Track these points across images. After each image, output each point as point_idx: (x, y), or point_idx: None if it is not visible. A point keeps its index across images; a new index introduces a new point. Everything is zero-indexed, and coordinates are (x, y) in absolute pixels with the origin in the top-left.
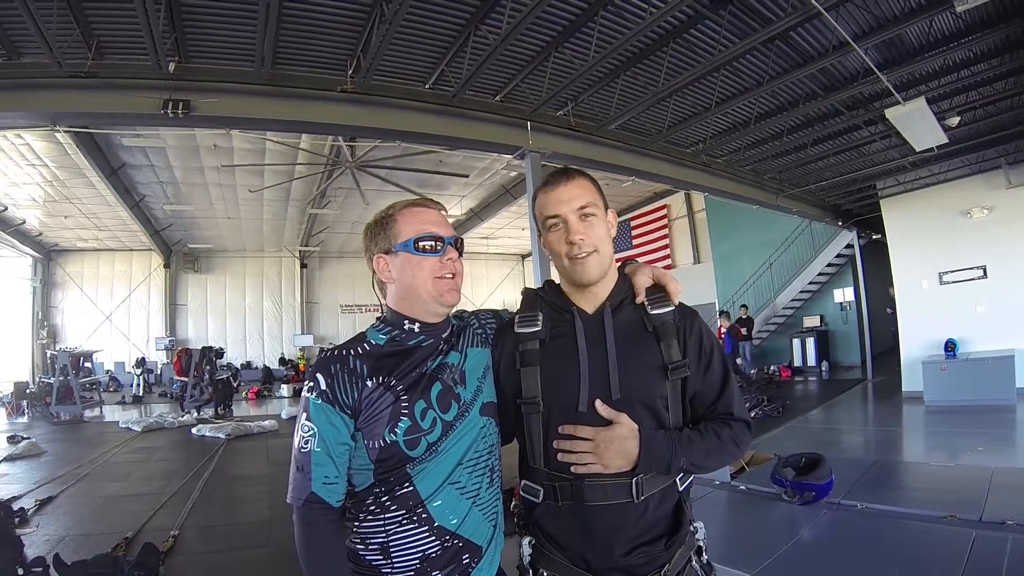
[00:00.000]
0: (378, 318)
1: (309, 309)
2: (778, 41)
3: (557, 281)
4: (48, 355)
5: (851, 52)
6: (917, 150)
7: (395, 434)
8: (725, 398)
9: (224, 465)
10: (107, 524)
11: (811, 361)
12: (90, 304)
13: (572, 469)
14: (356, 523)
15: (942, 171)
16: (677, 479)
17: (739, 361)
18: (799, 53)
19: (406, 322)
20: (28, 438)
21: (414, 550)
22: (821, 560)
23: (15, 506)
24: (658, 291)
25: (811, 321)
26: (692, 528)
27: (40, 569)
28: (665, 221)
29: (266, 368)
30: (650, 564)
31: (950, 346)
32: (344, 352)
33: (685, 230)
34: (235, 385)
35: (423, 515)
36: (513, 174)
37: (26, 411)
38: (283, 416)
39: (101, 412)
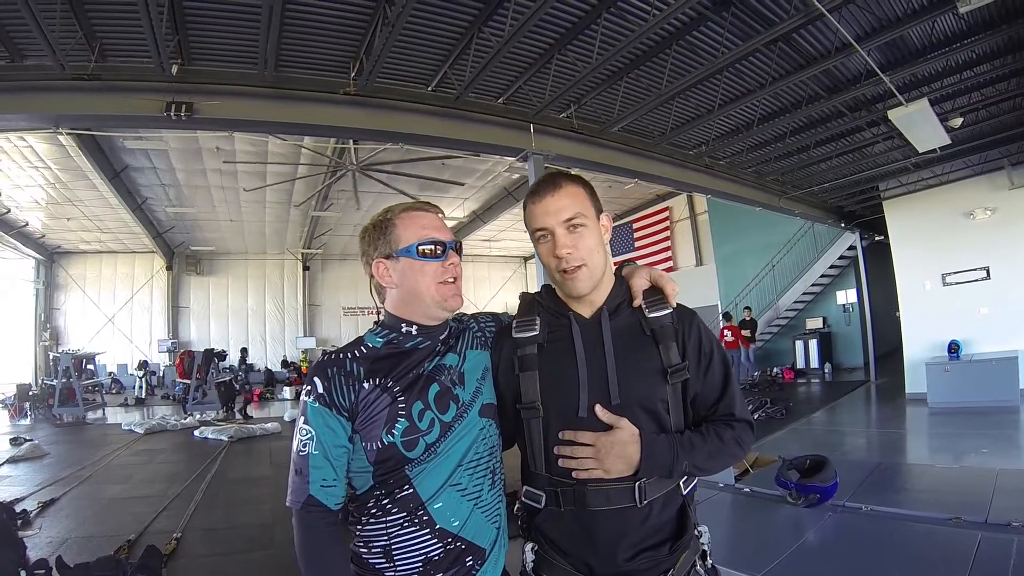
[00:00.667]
0: (376, 322)
1: (311, 311)
2: (781, 43)
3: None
4: (51, 357)
5: (854, 53)
6: (920, 151)
7: (392, 435)
8: (726, 399)
9: (226, 468)
10: (110, 526)
11: (814, 363)
12: (93, 306)
13: (574, 475)
14: (359, 526)
15: (945, 172)
16: (680, 482)
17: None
18: (802, 55)
19: (404, 325)
20: (31, 440)
21: (416, 553)
22: (826, 563)
23: (18, 508)
24: (656, 293)
25: (814, 323)
26: (697, 532)
27: (43, 571)
28: (667, 223)
29: (268, 370)
30: (654, 569)
31: (953, 347)
32: (341, 355)
33: (687, 232)
34: (237, 388)
35: (424, 517)
36: (515, 176)
37: (29, 413)
38: (285, 418)
39: (103, 414)
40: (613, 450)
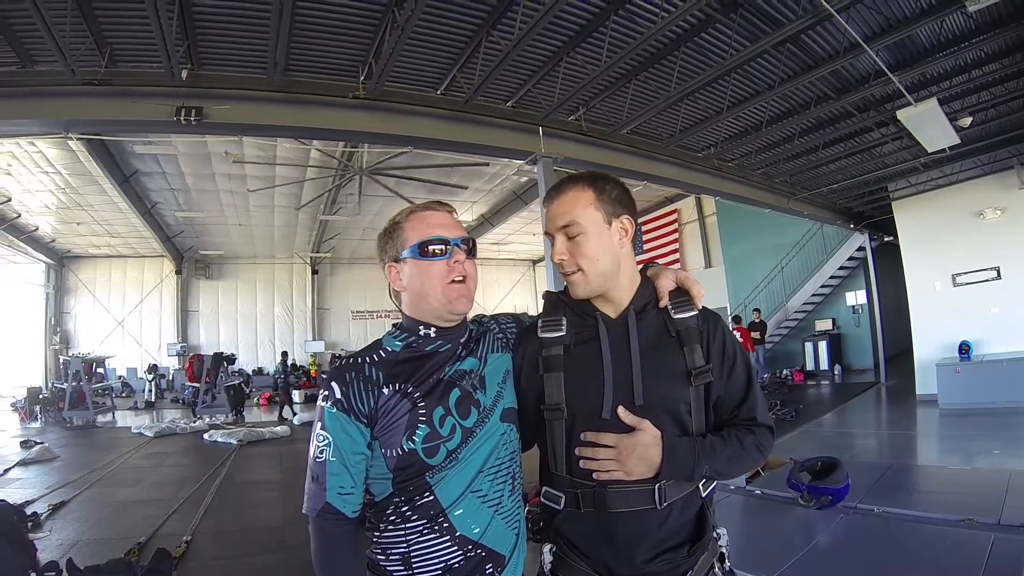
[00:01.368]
0: (394, 325)
1: (320, 315)
2: (789, 44)
3: None
4: (61, 361)
5: (862, 54)
6: (929, 151)
7: (413, 442)
8: (748, 403)
9: (236, 471)
10: (120, 529)
11: (824, 365)
12: (102, 310)
13: (594, 476)
14: (376, 533)
15: (954, 172)
16: (700, 485)
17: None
18: (810, 56)
19: (422, 327)
20: (41, 443)
21: (436, 560)
22: (838, 565)
23: (28, 511)
24: (681, 295)
25: (823, 324)
26: (715, 534)
27: (53, 574)
28: (676, 226)
29: (277, 373)
30: (673, 571)
31: (964, 348)
32: (359, 360)
33: (696, 234)
34: (247, 392)
35: (444, 524)
36: (524, 180)
37: (39, 416)
38: (295, 422)
39: (113, 417)
40: (635, 452)
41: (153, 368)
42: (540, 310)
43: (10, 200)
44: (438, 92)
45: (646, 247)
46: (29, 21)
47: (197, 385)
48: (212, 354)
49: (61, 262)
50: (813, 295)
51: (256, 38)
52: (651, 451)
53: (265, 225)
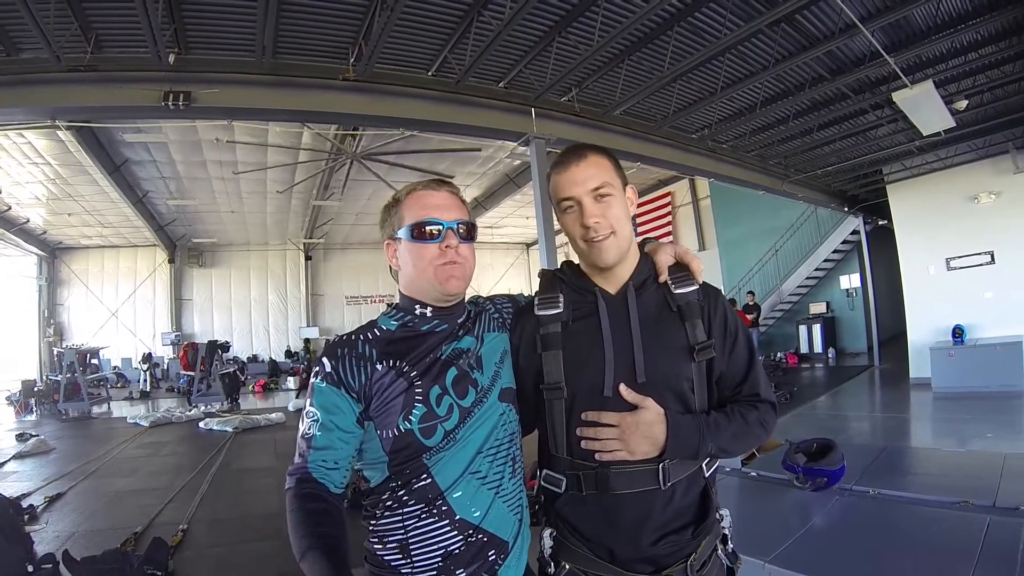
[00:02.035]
0: (389, 304)
1: (314, 301)
2: (784, 24)
3: (576, 261)
4: (55, 353)
5: (858, 34)
6: (924, 134)
7: (409, 422)
8: (751, 379)
9: (231, 458)
10: (116, 520)
11: (818, 348)
12: (96, 301)
13: (596, 456)
14: (372, 521)
15: (949, 156)
16: (703, 464)
17: None
18: (805, 36)
19: (417, 307)
20: (37, 435)
21: (435, 546)
22: (835, 546)
23: (25, 503)
24: (680, 270)
25: (817, 308)
26: (718, 515)
27: (50, 566)
28: (669, 208)
29: (272, 361)
30: (677, 554)
31: (958, 332)
32: (353, 337)
33: (690, 217)
34: (242, 379)
35: (443, 507)
36: (517, 163)
37: (34, 409)
38: (290, 408)
39: (109, 408)
40: (638, 430)
41: (148, 357)
42: (536, 289)
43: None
44: (429, 73)
45: (640, 230)
46: (12, 8)
47: (192, 374)
48: (207, 342)
49: (53, 254)
50: (807, 278)
51: (244, 21)
52: (655, 428)
53: (257, 212)
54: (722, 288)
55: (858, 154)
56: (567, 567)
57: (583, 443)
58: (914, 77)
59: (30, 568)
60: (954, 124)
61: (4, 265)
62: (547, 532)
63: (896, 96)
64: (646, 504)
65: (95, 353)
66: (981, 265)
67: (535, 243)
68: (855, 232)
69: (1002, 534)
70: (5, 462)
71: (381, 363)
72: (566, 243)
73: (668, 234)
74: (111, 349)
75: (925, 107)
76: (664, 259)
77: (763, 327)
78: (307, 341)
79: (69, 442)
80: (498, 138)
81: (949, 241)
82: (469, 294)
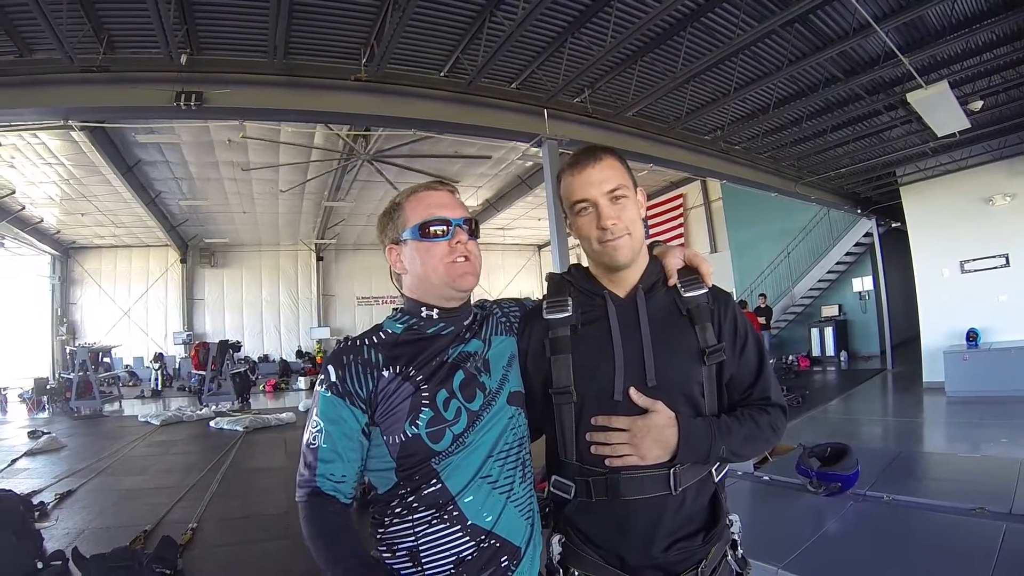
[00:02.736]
0: (394, 308)
1: (326, 302)
2: (797, 24)
3: (584, 264)
4: (68, 351)
5: (872, 34)
6: (939, 135)
7: (416, 427)
8: (761, 383)
9: (242, 458)
10: (126, 517)
11: (830, 351)
12: (108, 300)
13: (607, 462)
14: (381, 529)
15: (963, 157)
16: (713, 469)
17: None
18: (819, 36)
19: (424, 309)
20: (48, 433)
21: (447, 553)
22: (849, 553)
23: (35, 500)
24: (690, 273)
25: (830, 310)
26: (728, 521)
27: (59, 563)
28: (681, 210)
29: (283, 361)
30: (687, 560)
31: (972, 336)
32: (358, 342)
33: (702, 219)
34: (253, 379)
35: (454, 513)
36: (529, 164)
37: (47, 406)
38: (300, 408)
39: (120, 407)
40: (650, 434)
41: (159, 357)
42: (544, 292)
43: (14, 192)
44: (441, 74)
45: (651, 232)
46: (26, 10)
47: (203, 373)
48: (218, 342)
49: (66, 253)
50: (819, 281)
51: (256, 21)
52: (666, 432)
53: (269, 212)
54: (734, 290)
55: (872, 156)
56: (576, 574)
57: (593, 448)
58: (929, 78)
59: (40, 565)
60: (969, 125)
61: (18, 264)
62: (556, 539)
63: (910, 97)
64: (657, 510)
65: (107, 352)
66: (996, 268)
67: (547, 245)
68: (868, 234)
69: (1019, 542)
70: (17, 459)
71: (388, 369)
72: (578, 245)
73: (680, 236)
74: (123, 348)
75: (940, 108)
76: (673, 262)
77: (775, 330)
78: (319, 343)
79: (80, 440)
80: (510, 139)
81: (963, 244)
82: (479, 295)
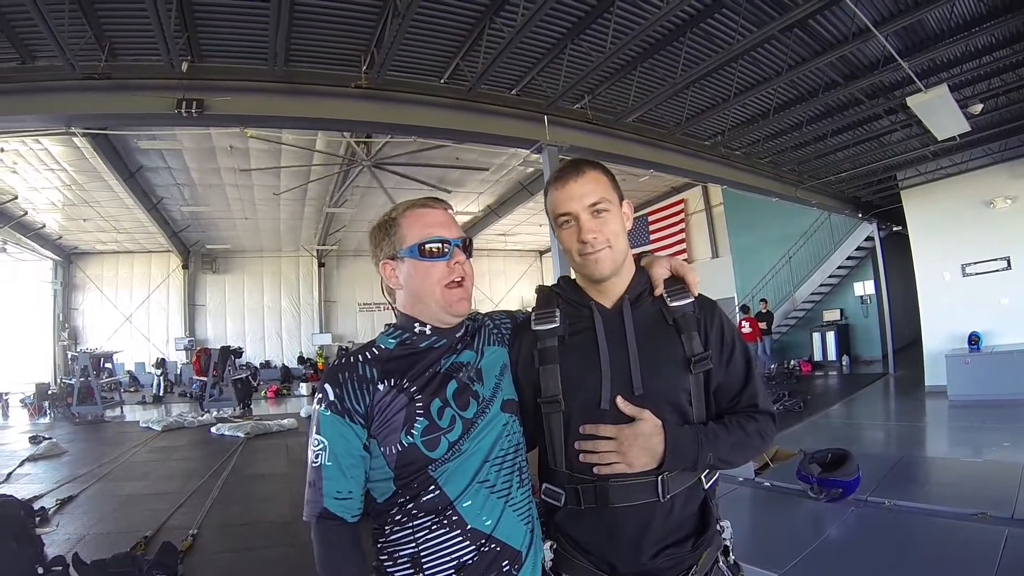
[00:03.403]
0: (387, 324)
1: (327, 308)
2: (796, 29)
3: (572, 276)
4: (69, 356)
5: (871, 39)
6: (939, 139)
7: (412, 436)
8: (749, 390)
9: (243, 464)
10: (127, 523)
11: (831, 355)
12: (110, 306)
13: (595, 470)
14: (381, 539)
15: (964, 160)
16: (703, 476)
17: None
18: (818, 41)
19: (417, 324)
20: (50, 438)
21: (448, 558)
22: (850, 559)
23: (36, 506)
24: (676, 282)
25: (831, 315)
26: (719, 527)
27: (60, 568)
28: (682, 216)
29: (284, 367)
30: (677, 567)
31: (974, 339)
32: (352, 359)
33: (703, 224)
34: (254, 384)
35: (454, 518)
36: (530, 170)
37: (48, 412)
38: (302, 414)
39: (122, 412)
40: (636, 443)
41: (161, 362)
42: (533, 304)
43: (16, 198)
44: (441, 81)
45: (652, 237)
46: (28, 17)
47: (204, 379)
48: (219, 348)
49: (68, 259)
50: (821, 285)
51: (256, 29)
52: (653, 441)
53: (271, 219)
54: (735, 295)
55: (872, 160)
56: None
57: (581, 456)
58: (928, 81)
59: (40, 570)
60: (969, 128)
61: (20, 269)
62: (547, 545)
63: (910, 101)
64: (645, 517)
65: (109, 357)
66: (997, 271)
67: (548, 251)
68: (869, 238)
69: (1021, 547)
70: (19, 465)
71: (383, 383)
72: None
73: (681, 241)
74: (125, 353)
75: (940, 111)
76: (660, 272)
77: (776, 334)
78: (321, 349)
79: (82, 445)
80: (511, 145)
81: (965, 247)
82: (482, 301)
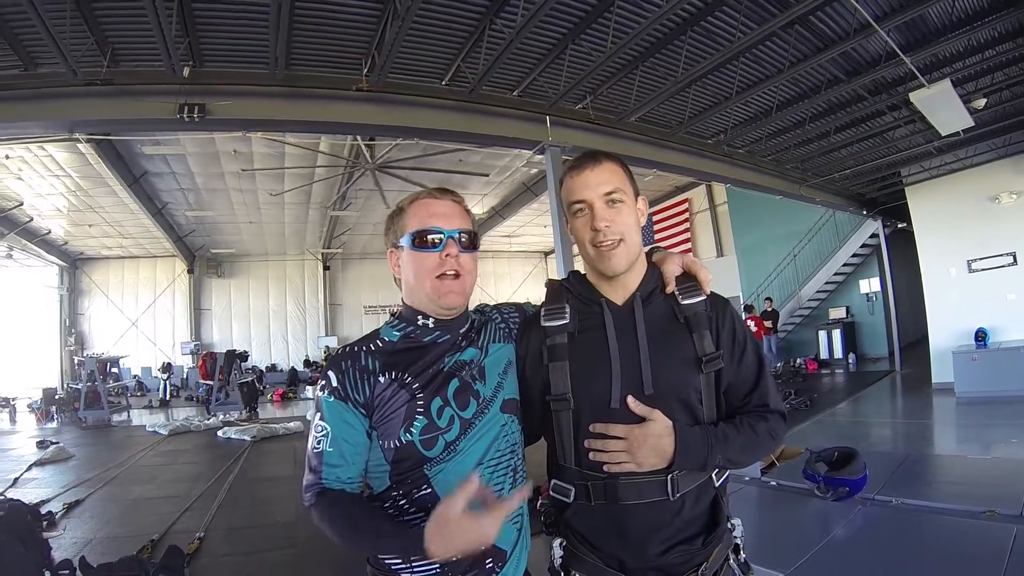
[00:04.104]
0: (392, 314)
1: (332, 311)
2: (798, 26)
3: (583, 272)
4: (76, 361)
5: (873, 34)
6: (942, 134)
7: (411, 433)
8: (760, 390)
9: (249, 467)
10: (133, 527)
11: (838, 353)
12: (116, 311)
13: (605, 468)
14: None
15: (968, 156)
16: (713, 475)
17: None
18: (820, 37)
19: (420, 317)
20: (57, 443)
21: None
22: (857, 559)
23: (43, 510)
24: (688, 280)
25: (837, 313)
26: (730, 525)
27: (67, 572)
28: (687, 215)
29: (292, 370)
30: (687, 563)
31: (980, 335)
32: (356, 348)
33: (707, 223)
34: (260, 388)
35: None
36: (534, 171)
37: (55, 417)
38: (308, 417)
39: (128, 416)
40: (646, 443)
41: (167, 367)
42: (543, 300)
43: (22, 204)
44: (443, 83)
45: (656, 237)
46: (30, 24)
47: (211, 383)
48: (225, 352)
49: (74, 264)
50: (826, 283)
51: (257, 33)
52: (663, 441)
53: (276, 222)
54: (740, 294)
55: (876, 156)
56: None
57: (591, 455)
58: (931, 76)
59: (47, 574)
60: (972, 123)
61: (26, 275)
62: (557, 542)
63: (913, 96)
64: (655, 514)
65: (115, 362)
66: (1003, 267)
67: (553, 252)
68: (874, 235)
69: None
70: (26, 469)
71: (383, 375)
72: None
73: (686, 240)
74: (131, 358)
75: (943, 107)
76: (671, 269)
77: (782, 333)
78: (327, 351)
79: (88, 449)
80: (513, 146)
81: (970, 243)
82: (483, 301)
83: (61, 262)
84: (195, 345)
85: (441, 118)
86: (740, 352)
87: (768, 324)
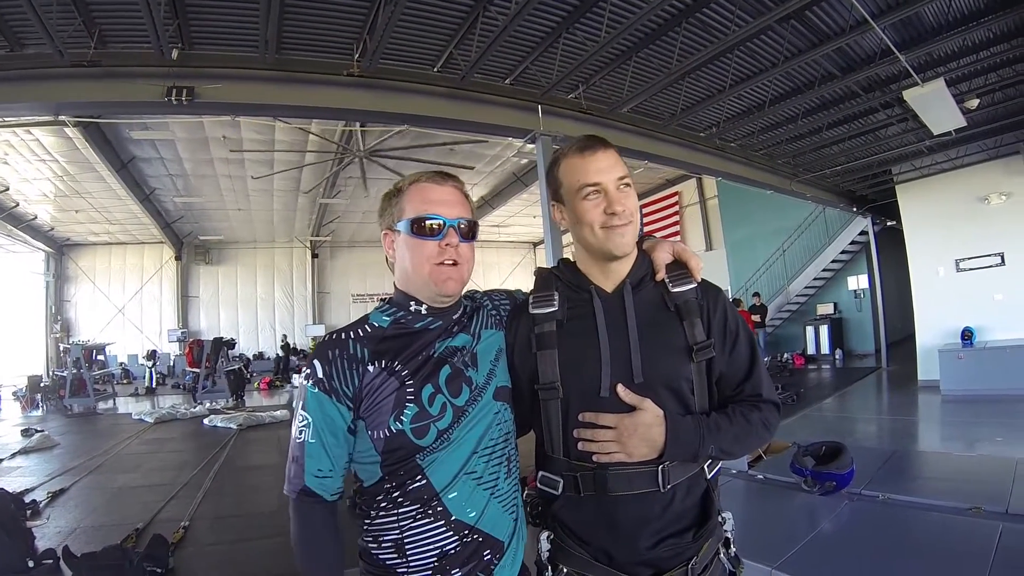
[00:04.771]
0: (382, 299)
1: (321, 299)
2: (793, 20)
3: (571, 259)
4: (62, 348)
5: (869, 31)
6: (935, 134)
7: (401, 422)
8: (753, 379)
9: (235, 456)
10: (118, 516)
11: (825, 349)
12: (103, 297)
13: (594, 458)
14: (367, 520)
15: (959, 156)
16: (705, 466)
17: None
18: (815, 32)
19: (412, 303)
20: (42, 431)
21: (431, 546)
22: (844, 553)
23: (27, 498)
24: (679, 267)
25: (825, 309)
26: (720, 518)
27: (50, 561)
28: (677, 208)
29: (279, 357)
30: (677, 557)
31: (967, 334)
32: (343, 336)
33: (697, 217)
34: (247, 376)
35: (438, 508)
36: (524, 161)
37: (40, 404)
38: (294, 405)
39: (114, 404)
40: (636, 432)
41: (153, 354)
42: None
43: (7, 189)
44: (435, 69)
45: (646, 230)
46: (16, 5)
47: (197, 370)
48: (212, 339)
49: (60, 250)
50: (815, 279)
51: (247, 16)
52: (653, 431)
53: (264, 209)
54: (729, 288)
55: (867, 154)
56: (565, 571)
57: (580, 445)
58: (925, 75)
59: (30, 563)
60: (965, 123)
61: (12, 261)
62: (544, 535)
63: (907, 94)
64: (645, 506)
65: (101, 349)
66: (991, 267)
67: (542, 242)
68: (863, 233)
69: (1016, 541)
70: (10, 457)
71: (373, 364)
72: (571, 244)
73: (676, 234)
74: (117, 345)
75: (936, 106)
76: (662, 256)
77: (770, 328)
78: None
79: (74, 438)
80: (504, 135)
81: (959, 242)
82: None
83: (47, 248)
84: (182, 332)
85: (432, 105)
86: (732, 341)
87: (756, 319)
